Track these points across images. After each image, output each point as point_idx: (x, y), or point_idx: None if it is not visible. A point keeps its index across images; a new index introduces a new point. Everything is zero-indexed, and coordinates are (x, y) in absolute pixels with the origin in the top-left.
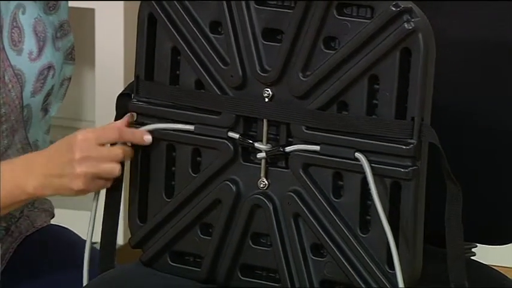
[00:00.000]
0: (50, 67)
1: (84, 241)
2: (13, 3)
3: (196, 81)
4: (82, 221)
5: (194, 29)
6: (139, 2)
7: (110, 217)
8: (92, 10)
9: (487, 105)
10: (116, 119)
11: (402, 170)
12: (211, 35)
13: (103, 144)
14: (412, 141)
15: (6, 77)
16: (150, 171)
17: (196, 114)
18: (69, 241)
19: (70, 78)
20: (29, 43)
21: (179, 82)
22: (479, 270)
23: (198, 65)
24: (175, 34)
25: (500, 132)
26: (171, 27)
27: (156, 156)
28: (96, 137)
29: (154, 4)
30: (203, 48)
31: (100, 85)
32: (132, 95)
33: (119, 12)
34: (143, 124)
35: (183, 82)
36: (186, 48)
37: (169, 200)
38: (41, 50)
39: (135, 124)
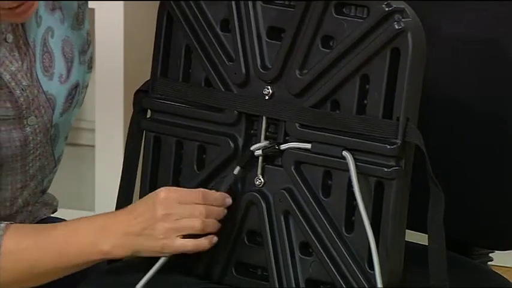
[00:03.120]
0: (77, 86)
1: None
2: (43, 28)
3: (206, 78)
4: None
5: (206, 27)
6: (139, 2)
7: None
8: (92, 10)
9: (484, 103)
10: (133, 115)
11: (385, 169)
12: (220, 33)
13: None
14: (396, 141)
15: (40, 104)
16: (159, 168)
17: (203, 111)
18: None
19: (87, 86)
20: (59, 66)
21: (190, 80)
22: (476, 271)
23: (206, 62)
24: (189, 32)
25: (498, 131)
26: (185, 25)
27: (165, 153)
28: (179, 196)
29: (173, 4)
30: (212, 46)
31: (100, 85)
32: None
33: (119, 12)
34: (159, 121)
35: (194, 80)
36: (196, 46)
37: None
38: (69, 71)
39: (149, 120)
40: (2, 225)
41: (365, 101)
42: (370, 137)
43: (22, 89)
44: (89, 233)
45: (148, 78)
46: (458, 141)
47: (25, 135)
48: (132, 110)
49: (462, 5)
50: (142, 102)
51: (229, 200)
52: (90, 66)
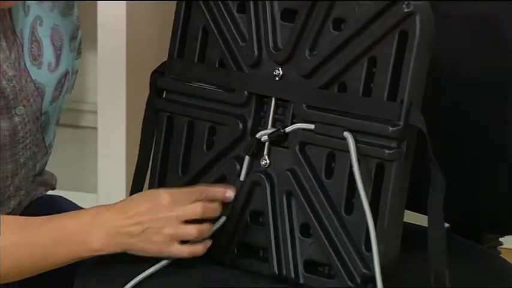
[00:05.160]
0: (66, 73)
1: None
2: (31, 17)
3: (220, 60)
4: (83, 201)
5: (223, 9)
6: None
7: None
8: None
9: (495, 87)
10: (149, 95)
11: (387, 151)
12: (236, 14)
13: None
14: (399, 123)
15: (28, 93)
16: (170, 148)
17: (215, 91)
18: (65, 209)
19: (77, 70)
20: (48, 55)
21: (205, 61)
22: (478, 255)
23: (221, 43)
24: (207, 14)
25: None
26: (204, 7)
27: (177, 133)
28: (180, 198)
29: None
30: (228, 27)
31: (102, 67)
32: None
33: None
34: (172, 101)
35: (209, 61)
36: (213, 27)
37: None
38: (58, 59)
39: (163, 100)
40: None
41: (371, 84)
42: (374, 118)
43: (8, 80)
44: (78, 231)
45: (151, 60)
46: (467, 125)
47: (14, 125)
48: (134, 92)
49: None
50: (158, 83)
51: (231, 194)
52: (79, 51)
